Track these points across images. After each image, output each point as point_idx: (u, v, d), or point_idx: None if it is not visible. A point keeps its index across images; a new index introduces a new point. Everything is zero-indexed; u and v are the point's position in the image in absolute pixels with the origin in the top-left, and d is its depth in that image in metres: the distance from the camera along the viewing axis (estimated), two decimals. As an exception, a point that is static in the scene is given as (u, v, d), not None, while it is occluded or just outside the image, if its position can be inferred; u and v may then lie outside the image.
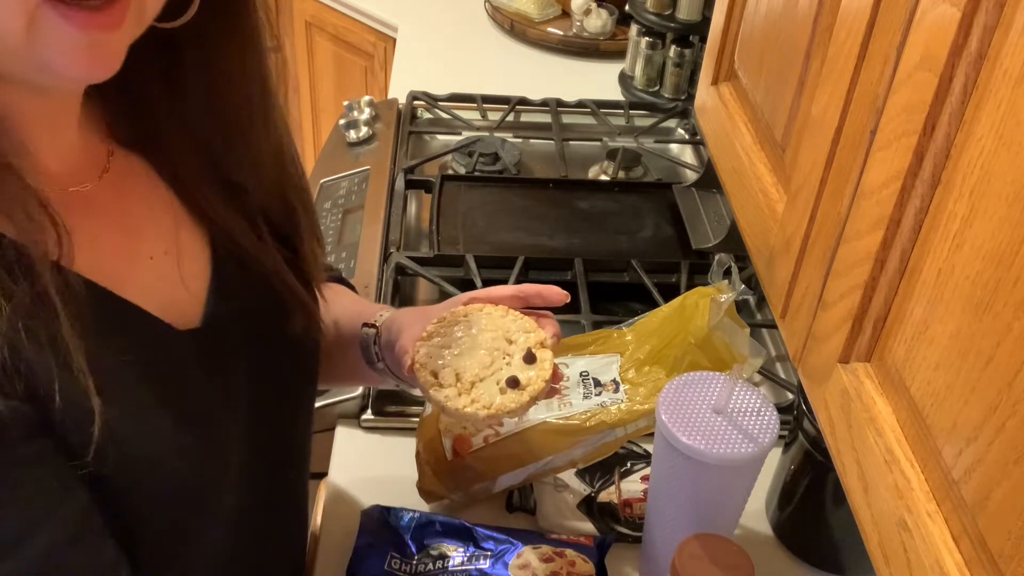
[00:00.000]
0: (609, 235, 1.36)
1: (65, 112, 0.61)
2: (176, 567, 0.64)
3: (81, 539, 0.55)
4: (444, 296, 1.22)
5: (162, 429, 0.60)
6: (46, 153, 0.59)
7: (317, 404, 1.01)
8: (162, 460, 0.60)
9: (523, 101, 1.67)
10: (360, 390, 1.05)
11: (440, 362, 0.70)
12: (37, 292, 0.52)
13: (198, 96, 0.66)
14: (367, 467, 1.00)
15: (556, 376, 0.71)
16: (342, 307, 0.87)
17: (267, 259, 0.71)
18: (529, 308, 0.76)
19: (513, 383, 0.69)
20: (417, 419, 0.98)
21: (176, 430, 0.60)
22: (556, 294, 0.76)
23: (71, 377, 0.53)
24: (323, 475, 1.00)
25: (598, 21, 1.88)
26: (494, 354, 0.71)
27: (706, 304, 0.89)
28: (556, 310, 1.20)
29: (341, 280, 0.95)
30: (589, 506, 0.95)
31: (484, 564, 0.85)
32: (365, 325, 0.81)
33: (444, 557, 0.86)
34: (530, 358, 0.70)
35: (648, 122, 1.67)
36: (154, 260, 0.65)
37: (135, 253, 0.64)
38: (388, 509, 0.90)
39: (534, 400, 0.69)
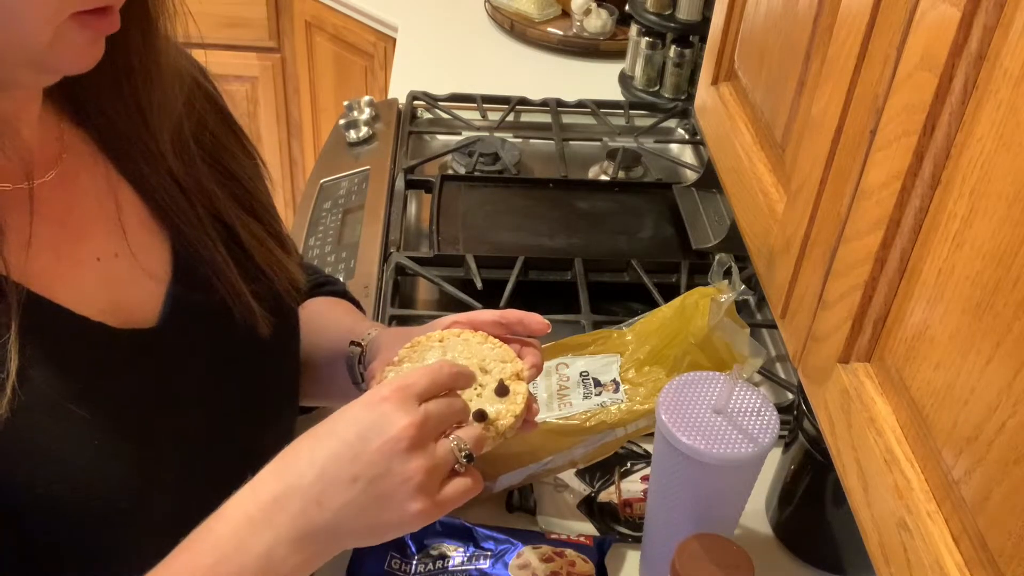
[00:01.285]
0: (609, 235, 1.36)
1: (28, 106, 0.61)
2: (105, 569, 0.62)
3: None
4: (444, 296, 1.22)
5: (70, 426, 0.58)
6: (5, 150, 0.58)
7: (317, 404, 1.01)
8: (68, 456, 0.58)
9: (523, 101, 1.67)
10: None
11: None
12: None
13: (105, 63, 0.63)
14: (367, 467, 1.00)
15: (531, 411, 0.68)
16: (335, 322, 0.85)
17: (210, 249, 0.70)
18: (514, 335, 0.73)
19: (480, 417, 0.64)
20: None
21: (89, 428, 0.59)
22: (537, 323, 0.73)
23: None
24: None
25: (598, 21, 1.88)
26: None
27: (706, 304, 0.89)
28: (556, 310, 1.20)
29: (345, 295, 0.93)
30: (589, 506, 0.95)
31: (484, 564, 0.85)
32: (352, 343, 0.79)
33: (444, 557, 0.86)
34: (502, 390, 0.66)
35: (648, 122, 1.67)
36: (101, 261, 0.64)
37: (77, 254, 0.63)
38: (388, 509, 0.90)
39: (502, 436, 0.65)
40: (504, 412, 0.65)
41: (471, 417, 0.64)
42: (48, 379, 0.57)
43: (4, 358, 0.54)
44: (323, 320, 0.85)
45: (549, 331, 0.74)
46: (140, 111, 0.65)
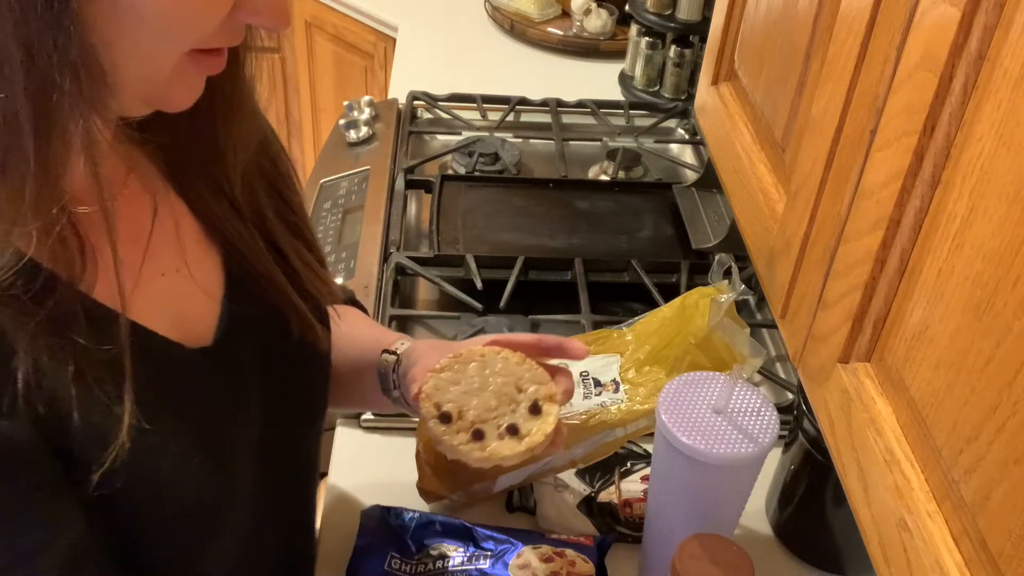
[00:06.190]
0: (609, 235, 1.36)
1: (109, 130, 0.61)
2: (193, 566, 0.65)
3: (78, 567, 0.56)
4: (444, 296, 1.22)
5: (174, 448, 0.60)
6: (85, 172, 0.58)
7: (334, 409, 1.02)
8: (174, 479, 0.60)
9: (523, 101, 1.67)
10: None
11: (446, 396, 0.71)
12: (58, 316, 0.53)
13: None
14: (367, 467, 1.00)
15: (559, 433, 0.71)
16: (359, 332, 0.87)
17: (270, 269, 0.71)
18: (548, 359, 0.75)
19: (512, 431, 0.69)
20: (417, 419, 0.98)
21: (188, 449, 0.61)
22: (577, 349, 0.75)
23: (89, 397, 0.54)
24: (323, 475, 1.00)
25: (598, 21, 1.88)
26: (501, 399, 0.71)
27: (706, 304, 0.89)
28: (556, 310, 1.20)
29: (356, 303, 0.95)
30: (589, 506, 0.95)
31: (484, 564, 0.85)
32: (385, 352, 0.81)
33: (444, 557, 0.86)
34: (535, 409, 0.70)
35: (648, 122, 1.67)
36: (165, 277, 0.65)
37: (146, 271, 0.63)
38: (388, 509, 0.90)
39: (531, 451, 0.69)
40: (535, 431, 0.69)
41: (504, 430, 0.69)
42: (144, 399, 0.58)
43: (116, 387, 0.55)
44: (348, 330, 0.86)
45: (587, 357, 0.76)
46: (216, 148, 0.66)
